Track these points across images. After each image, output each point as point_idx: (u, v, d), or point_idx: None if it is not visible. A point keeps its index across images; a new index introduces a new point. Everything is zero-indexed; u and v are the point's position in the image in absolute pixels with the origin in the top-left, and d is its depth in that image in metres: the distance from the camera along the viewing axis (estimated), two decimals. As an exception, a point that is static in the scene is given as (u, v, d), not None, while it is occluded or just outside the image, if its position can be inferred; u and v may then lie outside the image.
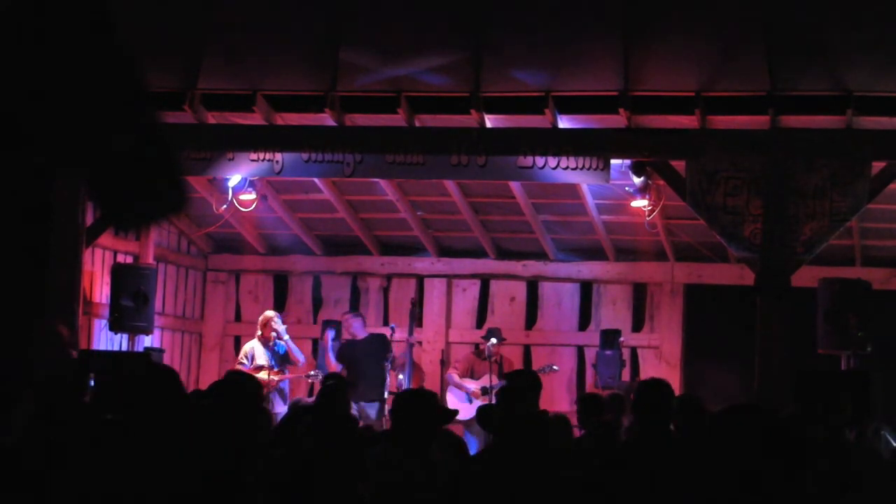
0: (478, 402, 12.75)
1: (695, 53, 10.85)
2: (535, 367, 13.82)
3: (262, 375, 12.33)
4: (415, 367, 13.67)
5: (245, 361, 12.80)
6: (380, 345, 13.17)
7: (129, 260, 13.70)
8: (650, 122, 11.19)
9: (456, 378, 13.35)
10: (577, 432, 8.65)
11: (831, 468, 5.79)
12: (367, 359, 13.00)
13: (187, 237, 14.98)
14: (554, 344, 14.54)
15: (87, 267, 12.80)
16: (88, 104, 2.82)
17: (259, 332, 13.00)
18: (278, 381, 12.78)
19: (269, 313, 13.20)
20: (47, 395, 5.45)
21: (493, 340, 13.22)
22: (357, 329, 13.40)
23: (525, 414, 6.18)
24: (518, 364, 13.79)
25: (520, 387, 7.64)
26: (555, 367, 13.37)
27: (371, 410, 12.70)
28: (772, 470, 3.72)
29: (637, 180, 11.77)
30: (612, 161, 11.11)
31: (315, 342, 14.67)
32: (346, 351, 13.32)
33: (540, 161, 11.05)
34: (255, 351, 12.88)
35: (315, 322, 14.89)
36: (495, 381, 13.07)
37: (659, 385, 6.12)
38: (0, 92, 2.79)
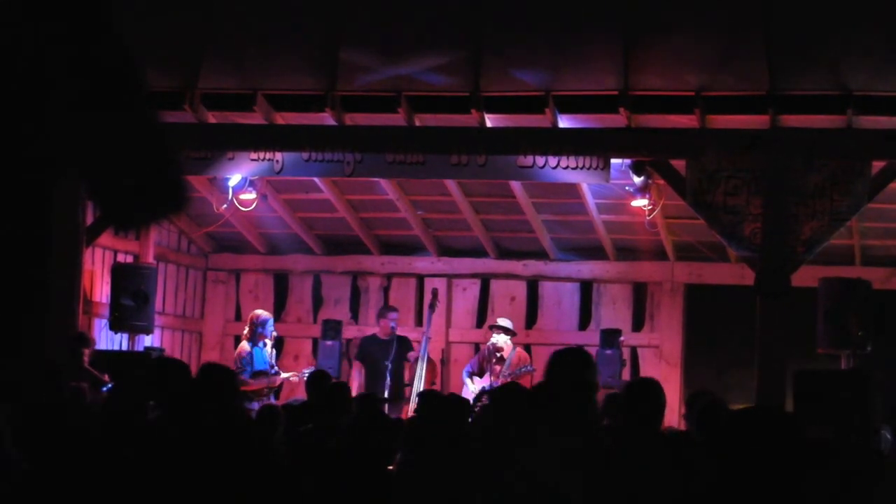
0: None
1: (695, 53, 10.85)
2: (533, 366, 13.82)
3: (263, 380, 12.26)
4: (430, 362, 13.46)
5: (245, 368, 12.11)
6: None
7: (130, 259, 13.70)
8: (650, 121, 11.19)
9: (464, 377, 13.35)
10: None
11: (833, 470, 5.79)
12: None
13: (187, 236, 14.98)
14: (554, 343, 14.50)
15: (88, 266, 12.80)
16: (88, 104, 2.82)
17: (247, 332, 12.40)
18: (279, 383, 12.64)
19: (265, 316, 12.59)
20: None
21: (493, 339, 13.19)
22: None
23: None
24: (528, 360, 13.74)
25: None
26: (531, 368, 13.27)
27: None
28: (783, 473, 3.72)
29: (637, 180, 11.77)
30: (613, 160, 11.12)
31: (315, 341, 14.67)
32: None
33: (540, 160, 11.05)
34: (252, 356, 12.26)
35: (315, 322, 14.89)
36: (496, 381, 12.98)
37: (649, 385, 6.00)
38: (0, 92, 2.79)
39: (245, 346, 12.39)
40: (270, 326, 12.49)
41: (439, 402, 6.80)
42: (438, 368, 13.57)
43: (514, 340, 14.00)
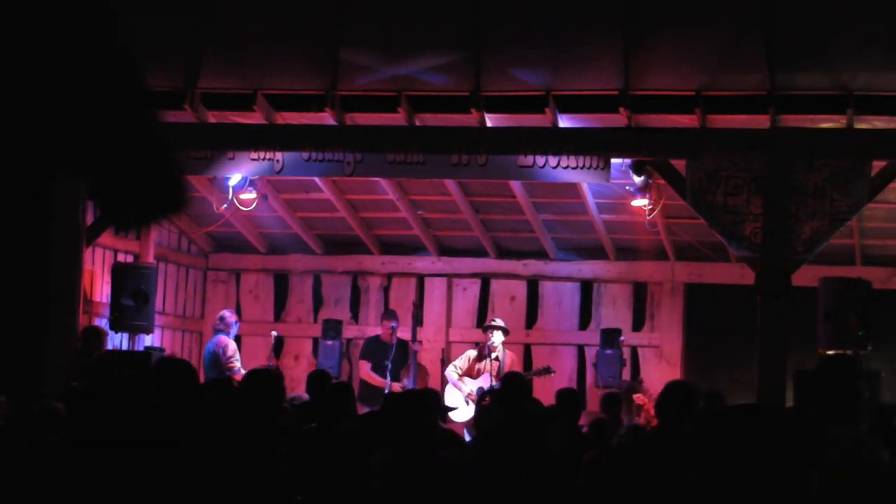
0: (473, 405, 12.72)
1: (695, 53, 10.84)
2: (534, 366, 13.82)
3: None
4: (419, 368, 13.68)
5: (236, 363, 12.73)
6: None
7: (130, 259, 13.71)
8: (651, 121, 11.19)
9: (454, 378, 13.33)
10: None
11: (829, 470, 5.79)
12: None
13: (188, 236, 14.99)
14: (554, 343, 14.54)
15: (88, 266, 12.80)
16: (88, 104, 2.82)
17: (223, 327, 12.98)
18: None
19: (236, 318, 13.22)
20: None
21: (492, 339, 13.19)
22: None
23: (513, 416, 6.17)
24: (519, 364, 13.72)
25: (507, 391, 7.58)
26: (552, 370, 13.29)
27: None
28: (779, 471, 3.71)
29: (637, 179, 11.77)
30: (613, 160, 11.11)
31: (316, 341, 14.67)
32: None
33: (540, 160, 11.05)
34: (236, 348, 12.92)
35: (315, 321, 14.90)
36: (493, 381, 12.96)
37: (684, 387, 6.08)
38: (0, 91, 2.79)
39: (228, 339, 12.90)
40: (235, 329, 13.18)
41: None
42: (429, 374, 13.78)
43: (516, 340, 14.04)
